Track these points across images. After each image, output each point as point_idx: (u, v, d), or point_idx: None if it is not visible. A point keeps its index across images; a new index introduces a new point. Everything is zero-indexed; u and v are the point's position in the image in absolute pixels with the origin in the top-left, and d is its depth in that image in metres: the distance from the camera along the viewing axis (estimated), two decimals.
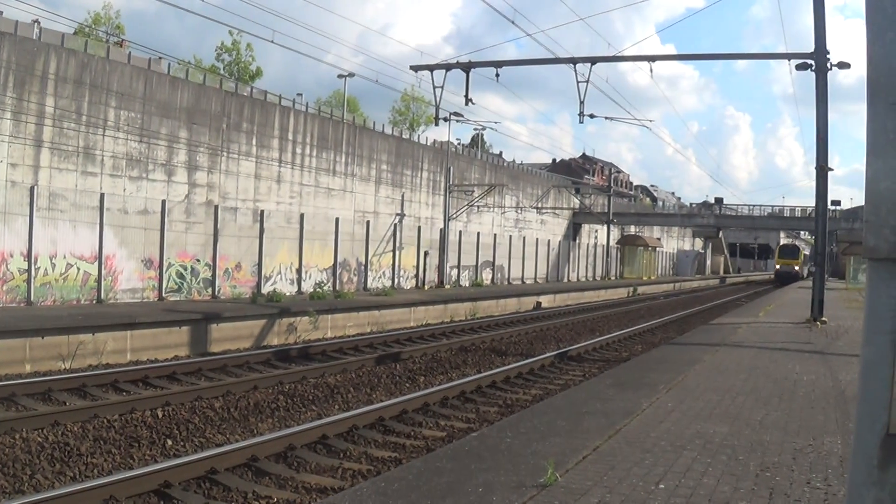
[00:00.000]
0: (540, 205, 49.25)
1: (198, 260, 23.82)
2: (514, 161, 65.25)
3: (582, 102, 22.94)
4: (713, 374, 11.83)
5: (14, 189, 19.04)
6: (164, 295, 22.17)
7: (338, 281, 29.04)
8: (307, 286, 27.04)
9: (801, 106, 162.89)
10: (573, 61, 22.42)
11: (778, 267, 76.67)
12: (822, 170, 21.33)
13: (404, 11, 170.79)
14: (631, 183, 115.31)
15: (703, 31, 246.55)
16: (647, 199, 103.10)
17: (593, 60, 22.44)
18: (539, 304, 35.49)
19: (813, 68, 20.60)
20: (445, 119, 32.42)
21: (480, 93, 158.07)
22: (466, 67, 23.31)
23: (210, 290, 23.88)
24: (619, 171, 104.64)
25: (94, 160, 21.49)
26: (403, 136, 39.24)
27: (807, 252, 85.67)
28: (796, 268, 75.15)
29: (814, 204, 22.93)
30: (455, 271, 37.76)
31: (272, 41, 23.27)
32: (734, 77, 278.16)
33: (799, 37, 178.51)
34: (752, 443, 7.26)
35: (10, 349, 14.02)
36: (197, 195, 24.66)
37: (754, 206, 77.79)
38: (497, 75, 23.22)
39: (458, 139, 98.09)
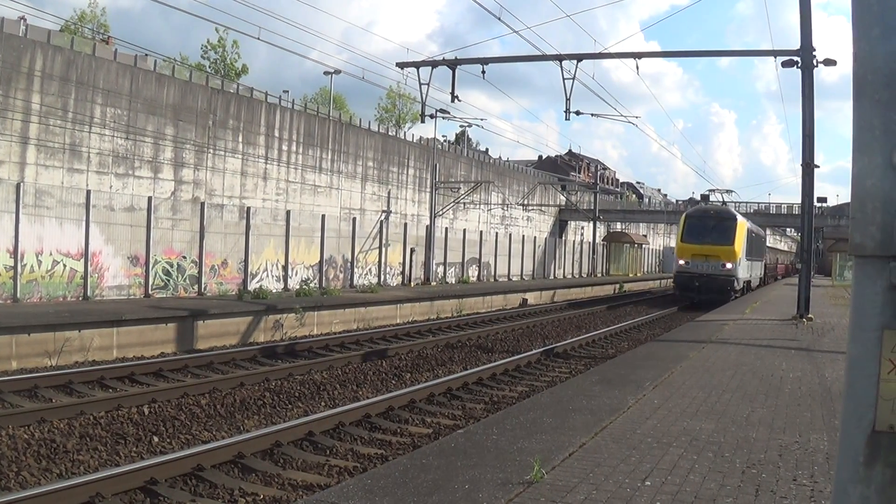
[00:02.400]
0: (526, 202, 49.27)
1: (184, 257, 23.71)
2: (500, 158, 65.37)
3: (568, 99, 23.01)
4: (699, 370, 11.87)
5: (0, 186, 18.94)
6: (150, 292, 22.07)
7: (324, 278, 28.97)
8: (293, 283, 26.97)
9: (786, 103, 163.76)
10: (559, 58, 22.44)
11: (682, 262, 35.85)
12: (808, 167, 21.43)
13: (388, 8, 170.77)
14: (617, 180, 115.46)
15: (686, 28, 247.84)
16: (633, 195, 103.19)
17: (579, 57, 22.47)
18: (525, 300, 35.54)
19: (799, 65, 20.67)
20: (431, 116, 32.42)
21: (466, 90, 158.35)
22: (452, 64, 23.30)
23: (196, 287, 23.77)
24: (605, 168, 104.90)
25: (81, 157, 21.38)
26: (389, 133, 39.17)
27: (760, 233, 44.12)
28: (727, 265, 34.44)
29: (799, 201, 23.04)
30: (441, 268, 37.74)
31: (258, 38, 23.09)
32: (718, 74, 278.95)
33: (783, 34, 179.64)
34: (738, 440, 7.29)
35: None
36: (183, 192, 24.57)
37: (740, 202, 76.98)
38: (483, 72, 23.23)
39: (444, 136, 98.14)
